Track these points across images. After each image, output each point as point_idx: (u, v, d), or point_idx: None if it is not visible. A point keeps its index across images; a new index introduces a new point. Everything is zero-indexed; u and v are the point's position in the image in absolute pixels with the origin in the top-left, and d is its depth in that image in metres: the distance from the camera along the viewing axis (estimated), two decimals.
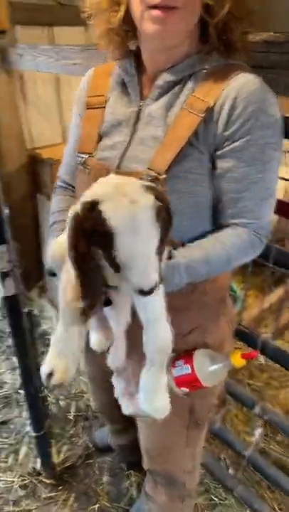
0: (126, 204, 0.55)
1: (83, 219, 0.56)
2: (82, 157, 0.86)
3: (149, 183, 0.62)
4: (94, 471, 1.64)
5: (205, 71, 0.76)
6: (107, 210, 0.55)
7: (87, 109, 0.89)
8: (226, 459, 1.64)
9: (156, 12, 0.69)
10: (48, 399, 1.93)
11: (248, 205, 0.78)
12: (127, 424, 1.45)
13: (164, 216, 0.59)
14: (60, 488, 1.57)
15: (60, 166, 1.05)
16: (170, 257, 0.73)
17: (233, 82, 0.73)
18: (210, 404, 1.05)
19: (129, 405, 0.89)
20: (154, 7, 0.69)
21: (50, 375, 0.70)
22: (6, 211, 1.08)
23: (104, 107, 0.86)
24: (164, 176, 0.74)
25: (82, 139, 0.88)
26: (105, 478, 1.61)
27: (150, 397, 0.70)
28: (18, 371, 2.07)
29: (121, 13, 0.76)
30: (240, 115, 0.72)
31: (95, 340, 0.84)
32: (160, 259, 0.61)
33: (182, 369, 0.85)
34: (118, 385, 0.92)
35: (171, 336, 0.69)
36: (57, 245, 0.74)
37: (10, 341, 2.28)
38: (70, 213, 0.59)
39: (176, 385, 0.86)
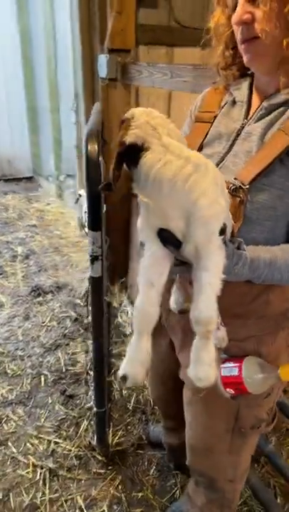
0: None
1: None
2: None
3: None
4: (143, 462, 1.71)
5: None
6: None
7: (196, 122, 1.00)
8: (276, 487, 1.59)
9: (243, 46, 0.84)
10: (113, 386, 2.07)
11: None
12: (178, 425, 1.50)
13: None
14: (110, 467, 1.67)
15: None
16: (238, 248, 0.79)
17: None
18: (257, 416, 1.04)
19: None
20: (243, 42, 0.83)
21: (124, 378, 0.79)
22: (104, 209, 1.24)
23: (211, 122, 0.97)
24: (247, 186, 0.81)
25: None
26: (152, 472, 1.67)
27: (193, 366, 0.74)
28: (90, 354, 2.26)
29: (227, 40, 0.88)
30: None
31: (174, 299, 0.92)
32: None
33: (231, 370, 0.89)
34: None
35: (212, 314, 0.72)
36: None
37: (87, 326, 2.49)
38: None
39: (223, 384, 0.90)
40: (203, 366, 0.73)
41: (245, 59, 0.86)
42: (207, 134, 0.96)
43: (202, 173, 0.68)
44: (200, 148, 0.95)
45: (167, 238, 0.71)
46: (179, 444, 1.56)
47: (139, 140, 0.69)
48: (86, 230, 3.78)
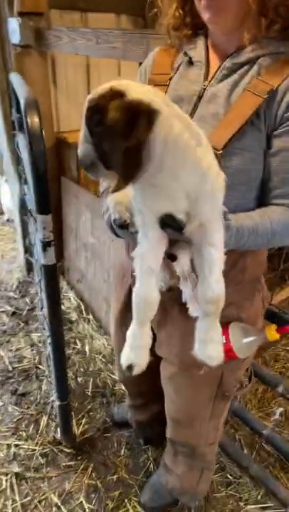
0: None
1: None
2: None
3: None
4: (112, 444, 1.69)
5: (271, 56, 0.80)
6: None
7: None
8: (241, 440, 1.69)
9: (204, 2, 0.79)
10: (68, 375, 1.98)
11: None
12: (148, 400, 1.50)
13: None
14: (80, 457, 1.62)
15: None
16: (224, 218, 0.77)
17: None
18: (238, 378, 1.10)
19: (195, 310, 0.87)
20: None
21: (130, 367, 0.75)
22: None
23: (167, 85, 0.90)
24: (220, 151, 0.78)
25: None
26: (123, 451, 1.66)
27: (203, 346, 0.74)
28: (36, 347, 2.14)
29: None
30: None
31: (161, 278, 0.86)
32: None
33: None
34: (185, 289, 0.90)
35: (223, 290, 0.72)
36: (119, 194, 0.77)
37: (27, 318, 2.34)
38: None
39: None
40: (213, 345, 0.73)
41: (206, 16, 0.81)
42: None
43: (205, 146, 0.64)
44: None
45: (168, 222, 0.67)
46: (148, 419, 1.57)
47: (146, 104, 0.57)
48: (6, 217, 3.49)
